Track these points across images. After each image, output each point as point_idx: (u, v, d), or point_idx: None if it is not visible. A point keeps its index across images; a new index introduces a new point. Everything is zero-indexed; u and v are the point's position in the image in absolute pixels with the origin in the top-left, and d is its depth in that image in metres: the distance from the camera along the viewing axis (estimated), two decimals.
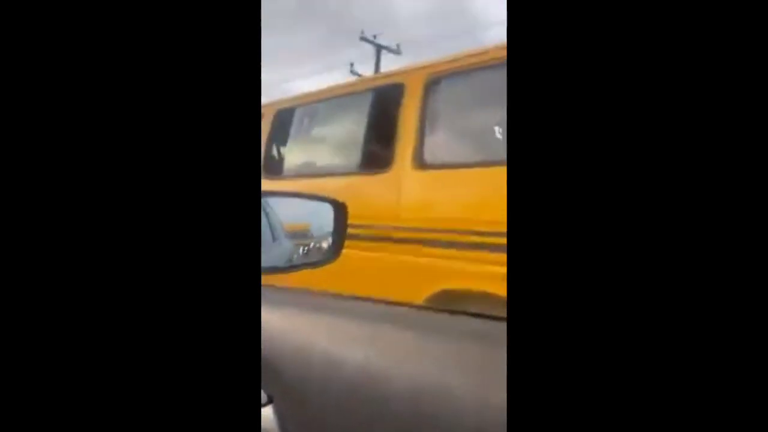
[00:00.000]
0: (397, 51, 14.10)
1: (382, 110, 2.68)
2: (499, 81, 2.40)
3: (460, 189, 2.21)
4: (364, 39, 13.76)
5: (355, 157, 2.66)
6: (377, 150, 2.57)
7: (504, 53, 2.26)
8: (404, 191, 2.31)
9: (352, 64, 13.97)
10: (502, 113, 2.28)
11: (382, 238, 2.31)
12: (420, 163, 2.31)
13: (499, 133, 2.28)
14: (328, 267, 2.62)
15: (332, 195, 2.72)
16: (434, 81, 2.46)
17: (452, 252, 2.14)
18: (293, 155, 3.26)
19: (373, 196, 2.42)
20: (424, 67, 2.55)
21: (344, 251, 2.44)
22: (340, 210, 1.25)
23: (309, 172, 2.97)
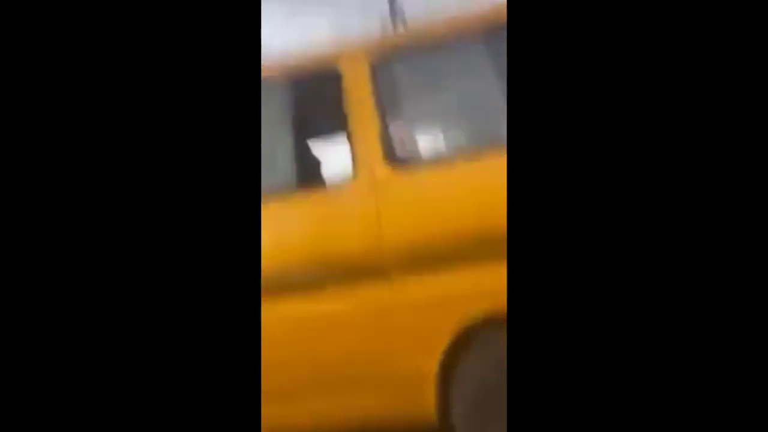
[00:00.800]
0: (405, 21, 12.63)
1: (313, 105, 2.01)
2: (460, 56, 1.92)
3: (458, 188, 1.65)
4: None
5: (285, 169, 1.93)
6: (321, 157, 1.90)
7: (472, 22, 1.79)
8: (383, 202, 1.67)
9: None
10: (471, 92, 1.80)
11: (366, 273, 1.63)
12: (395, 163, 1.70)
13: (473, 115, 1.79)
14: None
15: (271, 228, 1.96)
16: (384, 61, 1.88)
17: (469, 273, 1.56)
18: None
19: (336, 218, 1.72)
20: (364, 45, 1.96)
21: (307, 309, 1.69)
22: None
23: None
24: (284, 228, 1.76)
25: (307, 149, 2.08)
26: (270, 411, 1.68)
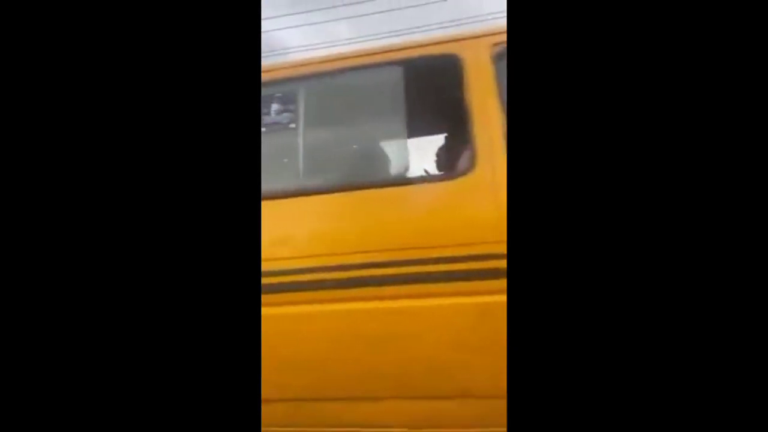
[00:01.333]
0: None
1: (429, 92, 1.97)
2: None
3: None
4: None
5: (397, 158, 1.90)
6: (437, 147, 1.85)
7: None
8: (504, 199, 1.60)
9: None
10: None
11: (480, 271, 1.57)
12: None
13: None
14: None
15: (384, 217, 1.92)
16: (503, 53, 1.80)
17: None
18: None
19: (452, 211, 1.67)
20: (484, 35, 1.88)
21: (418, 303, 1.64)
22: None
23: (312, 187, 2.08)
24: (400, 218, 1.72)
25: (423, 139, 2.04)
26: (368, 407, 1.68)
